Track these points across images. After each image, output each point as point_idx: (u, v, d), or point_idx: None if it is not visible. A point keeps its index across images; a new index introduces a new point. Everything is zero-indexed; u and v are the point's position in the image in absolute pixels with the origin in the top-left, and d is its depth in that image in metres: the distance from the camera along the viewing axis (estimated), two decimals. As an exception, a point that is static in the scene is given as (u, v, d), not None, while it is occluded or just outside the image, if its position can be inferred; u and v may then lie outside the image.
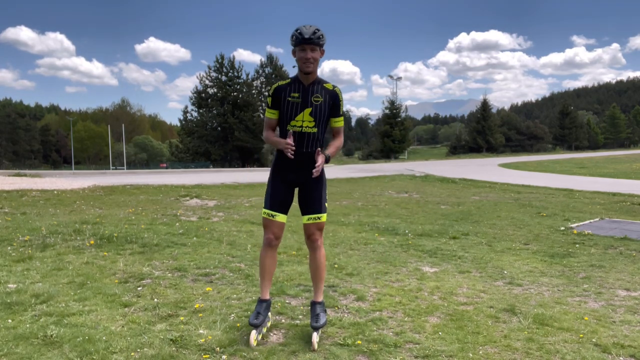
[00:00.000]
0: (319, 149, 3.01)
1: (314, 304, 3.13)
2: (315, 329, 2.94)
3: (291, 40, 2.93)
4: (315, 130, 3.01)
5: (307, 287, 4.02)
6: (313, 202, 3.08)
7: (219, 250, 5.37)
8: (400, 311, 3.48)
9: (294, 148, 2.89)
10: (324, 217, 3.09)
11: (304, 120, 2.99)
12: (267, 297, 3.10)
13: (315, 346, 2.82)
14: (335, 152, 3.09)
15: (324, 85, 3.02)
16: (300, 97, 2.98)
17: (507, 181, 17.08)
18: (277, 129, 3.12)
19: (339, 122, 3.09)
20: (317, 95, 2.99)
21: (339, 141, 3.13)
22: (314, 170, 2.89)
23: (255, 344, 2.83)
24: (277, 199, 3.06)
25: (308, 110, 2.98)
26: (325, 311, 3.14)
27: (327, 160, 2.98)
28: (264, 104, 52.10)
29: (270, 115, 3.06)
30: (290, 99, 2.98)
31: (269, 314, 3.13)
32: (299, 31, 2.89)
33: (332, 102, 3.03)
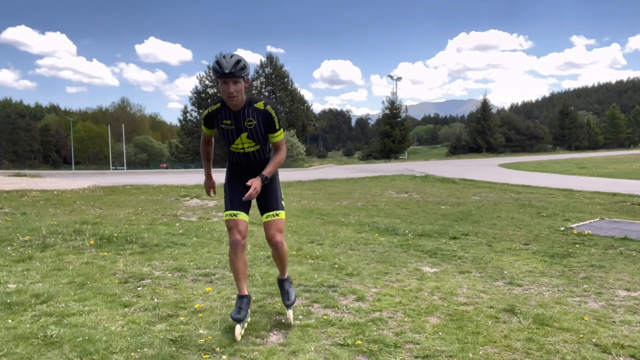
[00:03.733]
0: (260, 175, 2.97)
1: (281, 281, 3.34)
2: (288, 306, 3.17)
3: (212, 71, 2.85)
4: (258, 147, 3.06)
5: (307, 287, 4.02)
6: (269, 200, 3.13)
7: (219, 250, 5.37)
8: (400, 311, 3.48)
9: (212, 197, 3.05)
10: (282, 213, 3.13)
11: (244, 143, 3.02)
12: (246, 292, 3.14)
13: (292, 321, 3.00)
14: (275, 168, 3.05)
15: (255, 106, 2.94)
16: (233, 124, 2.96)
17: (507, 181, 17.09)
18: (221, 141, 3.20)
19: (277, 137, 3.04)
20: (249, 119, 2.95)
21: (279, 156, 3.08)
22: (244, 197, 2.92)
23: (240, 339, 2.90)
24: (236, 199, 3.07)
25: (244, 134, 2.99)
26: (292, 285, 3.34)
27: (264, 181, 2.95)
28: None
29: (206, 131, 3.13)
30: (223, 126, 2.98)
31: (249, 310, 3.17)
32: (219, 64, 2.77)
33: (266, 121, 2.97)
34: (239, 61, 2.78)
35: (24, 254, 4.93)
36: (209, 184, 3.35)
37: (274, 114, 2.97)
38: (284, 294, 3.29)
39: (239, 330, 2.96)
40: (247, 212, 3.11)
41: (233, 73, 2.75)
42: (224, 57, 2.79)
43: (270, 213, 3.12)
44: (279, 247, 3.19)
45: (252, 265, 4.71)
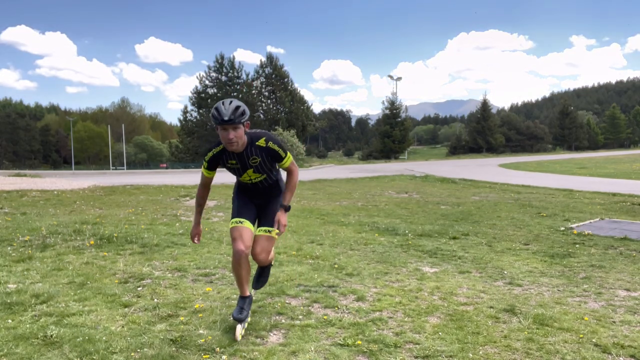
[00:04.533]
0: (278, 213, 3.06)
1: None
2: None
3: (212, 118, 2.82)
4: (264, 177, 3.10)
5: (307, 287, 4.02)
6: (268, 217, 3.17)
7: (219, 250, 5.37)
8: (400, 311, 3.47)
9: (196, 242, 3.20)
10: (274, 232, 3.14)
11: (250, 176, 3.07)
12: (248, 293, 3.18)
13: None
14: (292, 194, 3.10)
15: (257, 144, 2.95)
16: (238, 164, 2.99)
17: (507, 181, 17.08)
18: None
19: (286, 163, 3.05)
20: (253, 158, 2.97)
21: (293, 180, 3.10)
22: (277, 233, 3.07)
23: (240, 339, 2.91)
24: (243, 209, 3.15)
25: (250, 170, 3.03)
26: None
27: (287, 210, 3.07)
28: (264, 104, 52.16)
29: (206, 174, 3.06)
30: (229, 165, 3.01)
31: (249, 310, 3.19)
32: (218, 111, 2.76)
33: (270, 156, 2.99)
34: (237, 107, 2.77)
35: (24, 254, 4.93)
36: (195, 231, 3.23)
37: (276, 148, 2.98)
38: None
39: (239, 330, 2.97)
40: (252, 223, 3.14)
41: (232, 120, 2.74)
42: (222, 103, 2.78)
43: (264, 228, 3.15)
44: (262, 263, 3.25)
45: (251, 265, 4.71)
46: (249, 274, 3.20)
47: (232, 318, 3.09)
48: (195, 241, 3.23)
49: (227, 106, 2.76)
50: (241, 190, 3.24)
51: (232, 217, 3.14)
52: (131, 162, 73.69)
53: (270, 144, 2.95)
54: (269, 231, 3.13)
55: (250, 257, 3.13)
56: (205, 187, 3.13)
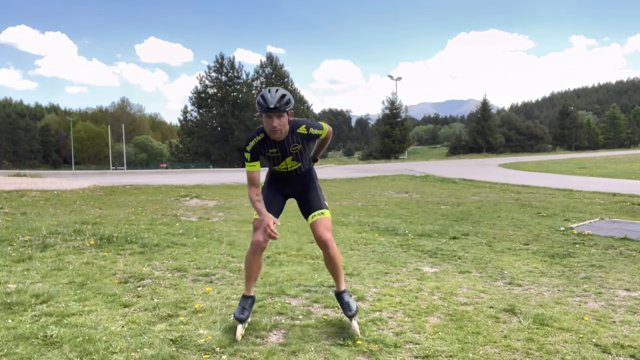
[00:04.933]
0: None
1: (339, 294, 3.19)
2: (351, 317, 3.04)
3: (257, 105, 2.85)
4: (300, 164, 3.12)
5: (307, 287, 4.02)
6: (312, 201, 3.16)
7: (219, 250, 5.37)
8: (400, 311, 3.47)
9: (275, 235, 2.83)
10: (327, 212, 3.14)
11: (287, 164, 3.09)
12: (252, 293, 3.17)
13: (358, 332, 2.93)
14: (322, 151, 3.33)
15: (298, 132, 2.98)
16: (279, 152, 3.01)
17: (507, 181, 17.09)
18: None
19: (323, 134, 3.10)
20: (294, 145, 3.01)
21: (327, 141, 3.23)
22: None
23: (240, 339, 2.90)
24: (269, 203, 3.11)
25: (289, 158, 3.06)
26: (351, 296, 3.21)
27: (315, 160, 3.28)
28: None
29: (252, 168, 3.00)
30: (269, 154, 3.02)
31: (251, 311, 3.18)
32: (264, 98, 2.79)
33: (311, 140, 3.06)
34: (283, 95, 2.81)
35: (24, 254, 4.93)
36: (268, 219, 2.90)
37: (317, 131, 3.04)
38: (345, 306, 3.13)
39: (240, 330, 2.97)
40: (276, 216, 3.09)
41: (278, 108, 2.77)
42: (269, 91, 2.81)
43: (316, 212, 3.12)
44: (329, 245, 3.05)
45: (266, 269, 4.71)
46: (259, 271, 3.19)
47: (233, 317, 3.09)
48: (272, 225, 2.87)
49: (273, 94, 2.79)
50: (273, 180, 3.23)
51: None
52: (131, 162, 73.71)
53: (312, 129, 3.01)
54: (323, 213, 3.12)
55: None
56: (255, 186, 3.03)
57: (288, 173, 3.15)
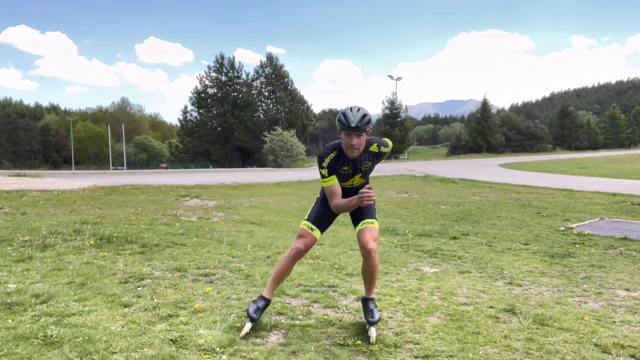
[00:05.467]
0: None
1: (366, 300, 3.20)
2: (372, 323, 3.05)
3: (337, 122, 2.92)
4: (364, 181, 3.20)
5: (307, 287, 4.02)
6: (365, 211, 3.16)
7: (219, 250, 5.37)
8: (400, 311, 3.48)
9: (371, 196, 2.81)
10: (376, 223, 3.16)
11: (354, 181, 3.15)
12: (270, 297, 3.18)
13: (374, 340, 2.91)
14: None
15: (370, 150, 3.05)
16: (350, 169, 3.06)
17: (507, 181, 17.09)
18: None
19: (389, 149, 3.16)
20: (365, 163, 3.08)
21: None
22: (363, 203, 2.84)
23: (244, 336, 2.92)
24: (321, 217, 3.17)
25: (358, 175, 3.12)
26: (376, 306, 3.22)
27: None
28: (263, 104, 52.17)
29: (331, 182, 3.00)
30: (342, 172, 3.06)
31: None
32: (345, 117, 2.86)
33: (379, 157, 3.12)
34: (365, 115, 2.87)
35: (24, 254, 4.93)
36: (357, 198, 2.89)
37: (387, 150, 3.12)
38: (368, 312, 3.12)
39: (247, 328, 2.98)
40: (322, 232, 3.17)
41: (359, 127, 2.84)
42: (350, 110, 2.88)
43: (366, 220, 3.14)
44: (371, 255, 3.04)
45: (252, 265, 4.72)
46: (286, 277, 3.26)
47: (246, 313, 3.12)
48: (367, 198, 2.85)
49: (355, 113, 2.86)
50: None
51: (308, 219, 3.16)
52: (131, 162, 73.73)
53: (382, 148, 3.10)
54: (372, 222, 3.14)
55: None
56: (339, 196, 3.01)
57: (349, 189, 3.18)
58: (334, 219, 3.25)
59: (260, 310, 3.10)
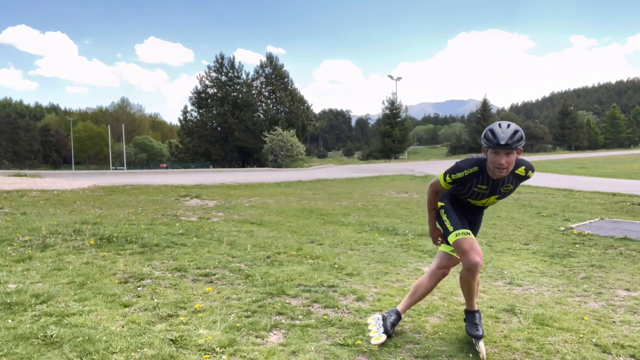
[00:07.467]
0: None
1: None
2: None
3: (483, 139, 2.62)
4: (497, 202, 2.94)
5: (307, 287, 4.02)
6: (475, 227, 3.03)
7: (219, 250, 5.37)
8: (400, 311, 3.47)
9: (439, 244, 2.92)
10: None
11: (489, 201, 2.90)
12: (477, 307, 3.04)
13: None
14: None
15: (516, 172, 2.73)
16: (488, 189, 2.78)
17: (507, 181, 17.05)
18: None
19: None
20: (507, 185, 2.78)
21: None
22: None
23: (485, 355, 2.72)
24: (464, 221, 2.93)
25: (494, 197, 2.85)
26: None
27: None
28: (264, 104, 52.15)
29: (444, 185, 2.85)
30: (476, 189, 2.79)
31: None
32: (493, 133, 2.56)
33: (522, 180, 2.81)
34: (516, 131, 2.56)
35: (24, 254, 4.93)
36: (436, 234, 3.03)
37: (532, 174, 2.81)
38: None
39: (483, 347, 2.78)
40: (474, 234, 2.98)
41: (509, 145, 2.53)
42: (499, 125, 2.58)
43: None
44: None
45: (252, 265, 4.72)
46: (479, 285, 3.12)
47: (470, 335, 2.91)
48: (438, 243, 3.02)
49: (505, 129, 2.56)
50: (457, 206, 2.99)
51: (456, 229, 2.85)
52: (131, 162, 73.73)
53: (530, 173, 2.79)
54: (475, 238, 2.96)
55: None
56: (437, 195, 2.96)
57: (479, 208, 2.99)
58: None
59: (479, 324, 2.92)
